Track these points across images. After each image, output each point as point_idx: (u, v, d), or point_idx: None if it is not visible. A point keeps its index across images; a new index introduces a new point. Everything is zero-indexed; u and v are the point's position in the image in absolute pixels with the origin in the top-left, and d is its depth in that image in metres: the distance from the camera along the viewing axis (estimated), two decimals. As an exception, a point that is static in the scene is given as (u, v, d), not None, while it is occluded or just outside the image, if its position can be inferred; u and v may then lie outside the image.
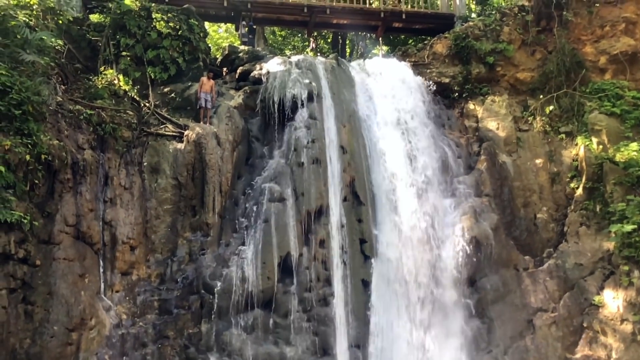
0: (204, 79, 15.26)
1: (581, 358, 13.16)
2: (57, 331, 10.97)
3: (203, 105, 15.03)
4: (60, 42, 13.88)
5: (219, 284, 13.26)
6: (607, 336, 13.09)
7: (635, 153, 14.49)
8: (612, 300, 13.33)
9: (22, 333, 10.50)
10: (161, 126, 14.67)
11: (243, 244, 13.95)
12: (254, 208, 14.44)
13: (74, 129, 12.91)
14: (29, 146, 11.16)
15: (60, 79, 13.74)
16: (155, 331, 12.68)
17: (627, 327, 12.88)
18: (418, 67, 17.82)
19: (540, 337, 13.60)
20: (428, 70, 17.82)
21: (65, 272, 11.50)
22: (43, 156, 11.41)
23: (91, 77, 14.72)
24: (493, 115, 16.75)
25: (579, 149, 15.58)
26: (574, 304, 13.84)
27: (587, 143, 15.50)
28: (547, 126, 16.55)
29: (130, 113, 14.41)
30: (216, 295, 13.13)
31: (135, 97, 15.04)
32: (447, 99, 17.75)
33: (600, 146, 15.29)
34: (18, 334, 10.42)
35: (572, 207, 15.18)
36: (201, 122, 14.86)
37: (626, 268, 13.36)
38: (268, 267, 13.53)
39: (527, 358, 13.44)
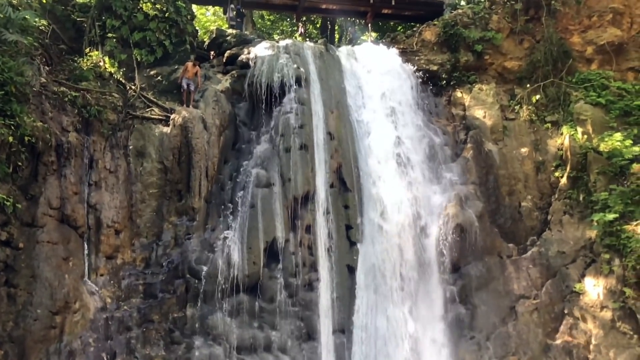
0: (189, 64, 15.09)
1: (561, 344, 13.39)
2: (40, 314, 10.92)
3: (185, 88, 14.94)
4: (44, 22, 13.65)
5: (204, 268, 13.26)
6: (587, 323, 13.32)
7: (619, 143, 14.64)
8: (593, 288, 13.54)
9: (5, 316, 10.44)
10: (147, 109, 14.53)
11: (229, 228, 13.92)
12: (241, 193, 14.42)
13: (59, 111, 12.74)
14: (12, 127, 11.03)
15: (44, 59, 13.52)
16: (140, 315, 12.66)
17: (607, 314, 13.11)
18: (406, 54, 17.79)
19: (522, 323, 13.80)
20: (416, 58, 17.80)
21: (49, 255, 11.42)
22: (26, 138, 11.27)
23: (76, 59, 14.49)
24: (480, 104, 16.81)
25: (564, 139, 15.72)
26: (556, 291, 14.04)
27: (572, 133, 15.63)
28: (534, 115, 16.65)
29: (116, 96, 14.25)
30: (202, 280, 13.13)
31: (120, 79, 14.85)
32: (435, 86, 17.75)
33: (585, 136, 15.42)
34: (1, 316, 10.36)
35: (556, 195, 15.33)
36: (184, 105, 14.73)
37: (607, 256, 13.56)
38: (254, 252, 13.54)
39: (509, 344, 13.63)
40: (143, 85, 15.08)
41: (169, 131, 14.11)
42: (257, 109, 15.63)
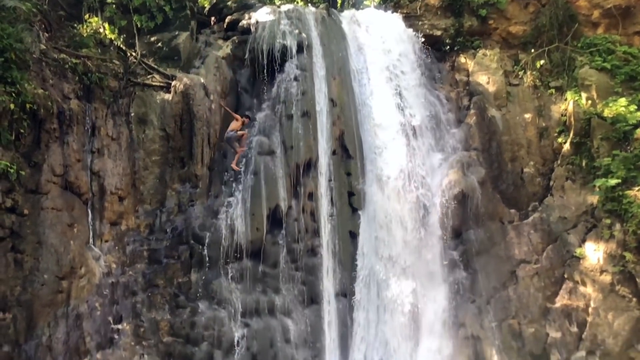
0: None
1: (560, 307, 13.56)
2: (47, 279, 11.10)
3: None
4: (42, -13, 13.46)
5: (208, 234, 13.39)
6: (587, 286, 13.46)
7: (623, 108, 14.50)
8: (593, 253, 13.63)
9: (13, 281, 10.60)
10: (148, 76, 14.44)
11: (232, 195, 14.01)
12: (243, 160, 14.45)
13: (59, 78, 12.67)
14: (13, 94, 10.99)
15: (43, 26, 13.37)
16: (145, 280, 12.87)
17: (606, 278, 13.23)
18: (410, 19, 17.54)
19: (522, 287, 13.96)
20: (420, 23, 17.56)
21: (54, 222, 11.53)
22: (28, 105, 11.24)
23: (75, 25, 14.34)
24: (484, 69, 16.63)
25: (567, 104, 15.59)
26: (556, 256, 14.15)
27: (576, 98, 15.48)
28: (537, 81, 16.48)
29: (117, 63, 14.14)
30: (206, 246, 13.29)
31: (121, 46, 14.71)
32: (438, 52, 17.56)
33: (589, 101, 15.28)
34: (8, 281, 10.53)
35: (559, 161, 15.30)
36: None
37: (608, 221, 13.61)
38: (257, 219, 13.65)
39: (509, 307, 13.82)
40: (144, 52, 14.94)
41: (170, 98, 14.06)
42: (259, 75, 15.51)
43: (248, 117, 13.79)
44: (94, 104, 13.20)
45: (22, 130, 11.30)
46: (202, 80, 14.46)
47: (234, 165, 14.02)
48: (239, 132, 13.87)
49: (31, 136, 11.61)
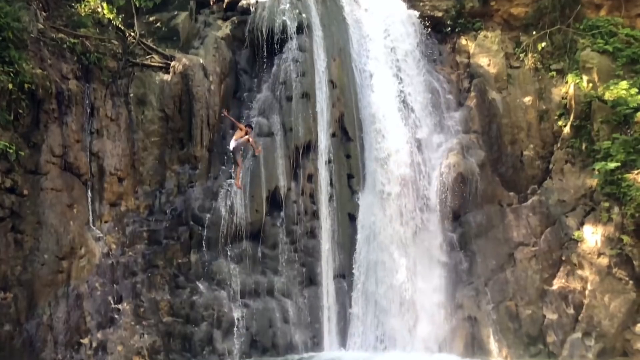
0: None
1: (557, 289, 13.64)
2: (47, 259, 11.16)
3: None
4: (39, -35, 13.28)
5: (207, 216, 13.45)
6: (584, 269, 13.53)
7: (624, 91, 14.42)
8: (591, 235, 13.68)
9: (13, 260, 10.66)
10: (147, 57, 14.37)
11: (231, 177, 14.02)
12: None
13: (58, 58, 12.61)
14: (11, 74, 10.94)
15: (40, 5, 13.23)
16: (144, 260, 12.95)
17: (604, 261, 13.30)
18: (411, 0, 17.37)
19: (520, 269, 14.03)
20: (421, 4, 17.38)
21: (54, 202, 11.56)
22: (26, 85, 11.20)
23: (73, 5, 14.19)
24: (485, 52, 16.52)
25: (568, 87, 15.51)
26: (554, 239, 14.20)
27: (577, 81, 15.39)
28: (539, 63, 16.37)
29: (115, 43, 14.04)
30: (205, 227, 13.35)
31: (119, 26, 14.59)
32: (439, 33, 17.42)
33: (590, 84, 15.20)
34: (9, 261, 10.58)
35: (559, 144, 15.28)
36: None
37: (607, 205, 13.63)
38: (256, 201, 13.69)
39: (507, 289, 13.91)
40: (142, 32, 14.84)
41: (169, 79, 14.01)
42: (258, 56, 15.42)
43: (250, 127, 13.34)
44: (92, 84, 13.15)
45: (20, 111, 11.26)
46: (202, 61, 14.39)
47: (237, 183, 13.15)
48: (245, 138, 12.90)
49: (30, 116, 11.58)
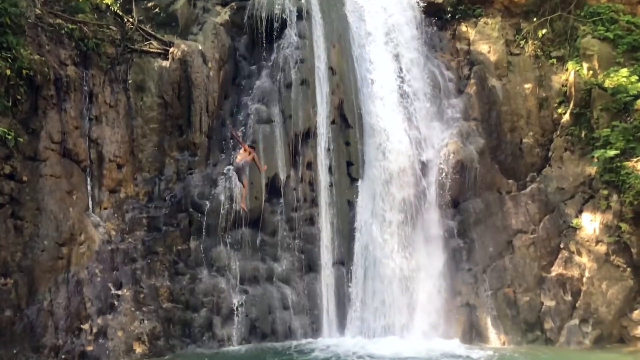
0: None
1: (555, 276, 13.72)
2: (47, 245, 11.18)
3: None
4: (36, -50, 13.15)
5: (207, 203, 13.47)
6: (582, 256, 13.59)
7: (624, 79, 14.37)
8: (590, 223, 13.72)
9: (13, 247, 10.67)
10: (145, 43, 14.29)
11: (231, 164, 14.01)
12: (242, 129, 14.42)
13: (56, 44, 12.53)
14: (9, 60, 10.87)
15: (38, -10, 13.15)
16: (144, 247, 12.99)
17: (602, 248, 13.36)
18: (411, -14, 17.22)
19: (518, 257, 14.09)
20: (421, -11, 17.24)
21: (53, 189, 11.56)
22: (24, 71, 11.14)
23: (71, -10, 14.10)
24: (485, 38, 16.43)
25: (568, 75, 15.46)
26: (553, 226, 14.24)
27: (577, 68, 15.34)
28: (539, 50, 16.29)
29: (113, 29, 13.96)
30: (205, 214, 13.37)
31: (118, 11, 14.47)
32: (439, 20, 17.28)
33: (591, 72, 15.15)
34: (9, 247, 10.59)
35: (558, 132, 15.27)
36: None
37: (605, 192, 13.66)
38: (256, 188, 13.70)
39: (505, 276, 13.97)
40: (141, 18, 14.74)
41: (168, 65, 13.95)
42: (257, 42, 15.34)
43: (252, 147, 13.03)
44: (91, 70, 13.10)
45: (19, 97, 11.21)
46: (200, 47, 14.32)
47: (242, 204, 12.80)
48: (249, 157, 12.32)
49: (28, 103, 11.53)
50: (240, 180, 12.46)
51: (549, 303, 13.55)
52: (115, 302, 12.15)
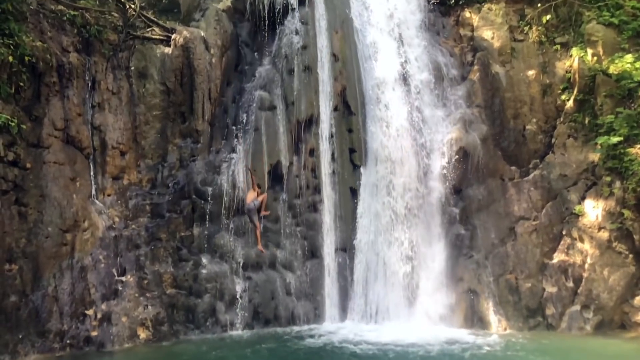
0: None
1: (557, 263, 13.74)
2: (51, 232, 11.26)
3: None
4: None
5: (210, 189, 13.51)
6: (584, 243, 13.60)
7: (629, 65, 14.26)
8: (592, 210, 13.71)
9: (18, 233, 10.76)
10: (147, 29, 14.24)
11: (233, 151, 14.06)
12: (244, 116, 14.41)
13: (58, 31, 12.53)
14: (11, 47, 10.90)
15: (39, -24, 13.10)
16: (147, 234, 13.05)
17: (604, 235, 13.36)
18: (414, -28, 17.09)
19: (520, 243, 14.11)
20: (425, -25, 17.11)
21: (57, 176, 11.62)
22: (26, 58, 11.17)
23: (72, -24, 14.04)
24: (489, 24, 16.32)
25: (573, 61, 15.35)
26: (555, 213, 14.24)
27: (581, 54, 15.23)
28: (543, 36, 16.17)
29: (115, 15, 13.93)
30: (207, 201, 13.41)
31: (119, -3, 14.44)
32: (442, 6, 17.16)
33: (595, 58, 15.04)
34: (13, 233, 10.68)
35: (562, 119, 15.20)
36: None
37: (608, 179, 13.63)
38: (258, 175, 13.70)
39: (507, 263, 14.01)
40: (143, 4, 14.64)
41: (170, 52, 13.91)
42: (260, 29, 15.28)
43: (259, 186, 12.92)
44: (93, 57, 13.09)
45: (21, 84, 11.25)
46: (203, 34, 14.27)
47: (259, 246, 12.60)
48: (260, 198, 12.30)
49: (31, 90, 11.57)
50: (251, 221, 12.45)
51: (551, 289, 13.58)
52: (119, 288, 12.24)
